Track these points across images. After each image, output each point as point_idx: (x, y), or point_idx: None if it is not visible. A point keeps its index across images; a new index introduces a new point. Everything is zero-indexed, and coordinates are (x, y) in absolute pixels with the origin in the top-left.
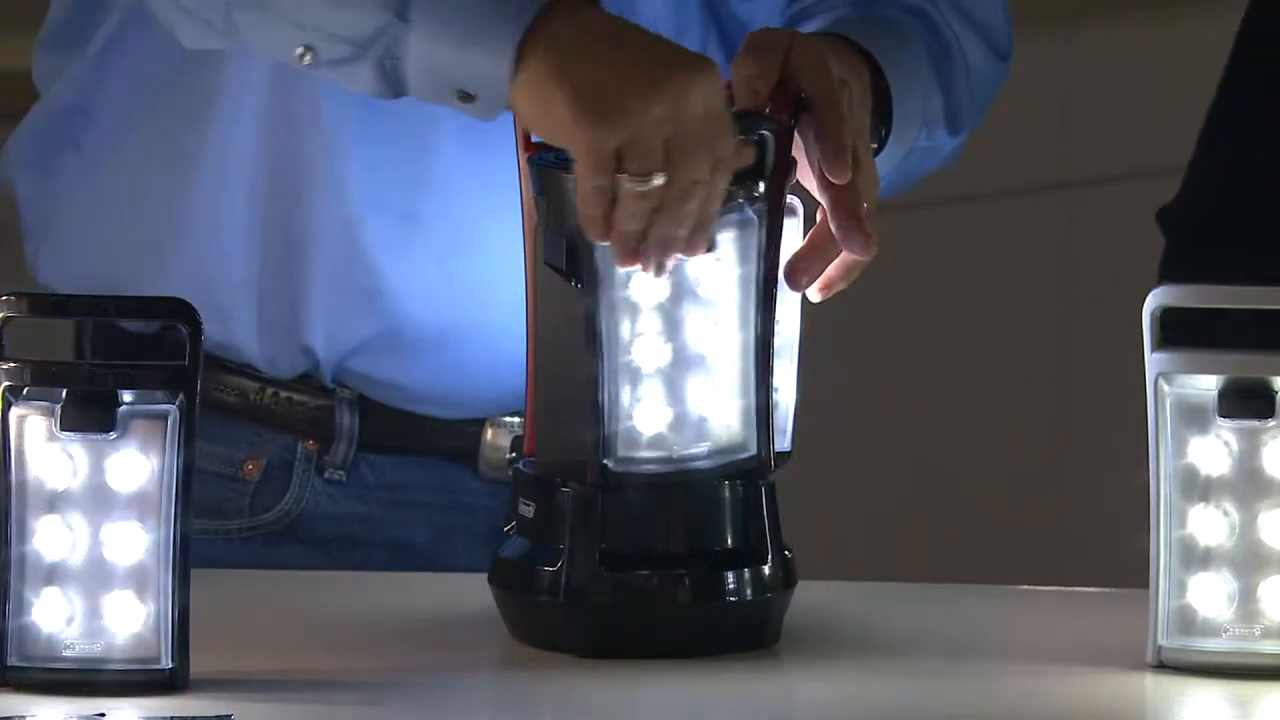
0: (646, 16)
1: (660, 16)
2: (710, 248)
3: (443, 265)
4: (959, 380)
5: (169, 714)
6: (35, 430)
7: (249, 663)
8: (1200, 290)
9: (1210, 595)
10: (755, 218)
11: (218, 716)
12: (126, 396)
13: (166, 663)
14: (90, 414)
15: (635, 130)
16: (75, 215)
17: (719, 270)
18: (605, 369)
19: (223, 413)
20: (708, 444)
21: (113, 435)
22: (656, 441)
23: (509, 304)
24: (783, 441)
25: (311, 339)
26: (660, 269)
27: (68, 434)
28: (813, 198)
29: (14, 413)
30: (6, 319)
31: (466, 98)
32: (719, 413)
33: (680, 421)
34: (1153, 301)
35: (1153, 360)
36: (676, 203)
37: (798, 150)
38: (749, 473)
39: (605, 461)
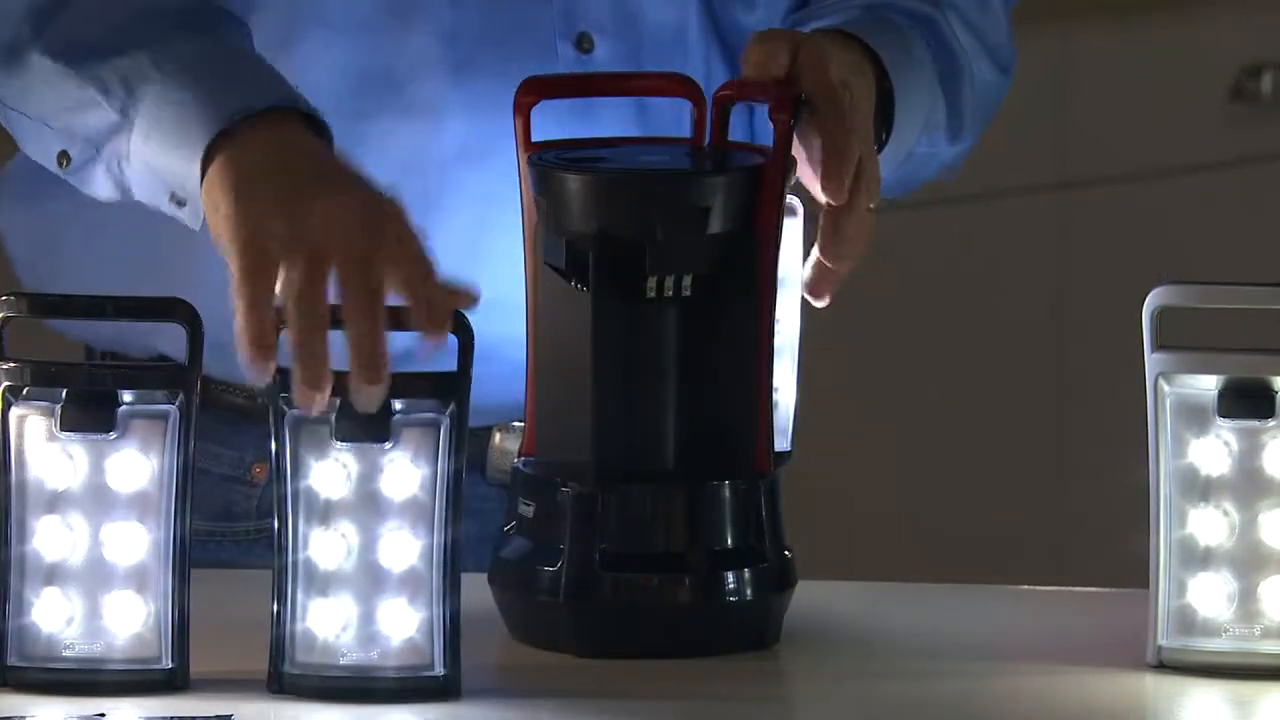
0: (649, 29)
1: (660, 28)
2: (382, 438)
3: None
4: (959, 380)
5: (169, 714)
6: (35, 430)
7: (249, 663)
8: (1200, 290)
9: (1210, 595)
10: (443, 418)
11: (218, 716)
12: (126, 396)
13: (167, 663)
14: (90, 414)
15: (286, 225)
16: (70, 254)
17: (402, 470)
18: (287, 564)
19: (231, 415)
20: (386, 656)
21: (113, 435)
22: (333, 648)
23: (518, 314)
24: (783, 442)
25: None
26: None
27: (68, 434)
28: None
29: (14, 413)
30: (6, 319)
31: (179, 202)
32: (400, 625)
33: (357, 629)
34: (1152, 301)
35: (1152, 360)
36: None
37: (797, 150)
38: (431, 692)
39: (282, 666)
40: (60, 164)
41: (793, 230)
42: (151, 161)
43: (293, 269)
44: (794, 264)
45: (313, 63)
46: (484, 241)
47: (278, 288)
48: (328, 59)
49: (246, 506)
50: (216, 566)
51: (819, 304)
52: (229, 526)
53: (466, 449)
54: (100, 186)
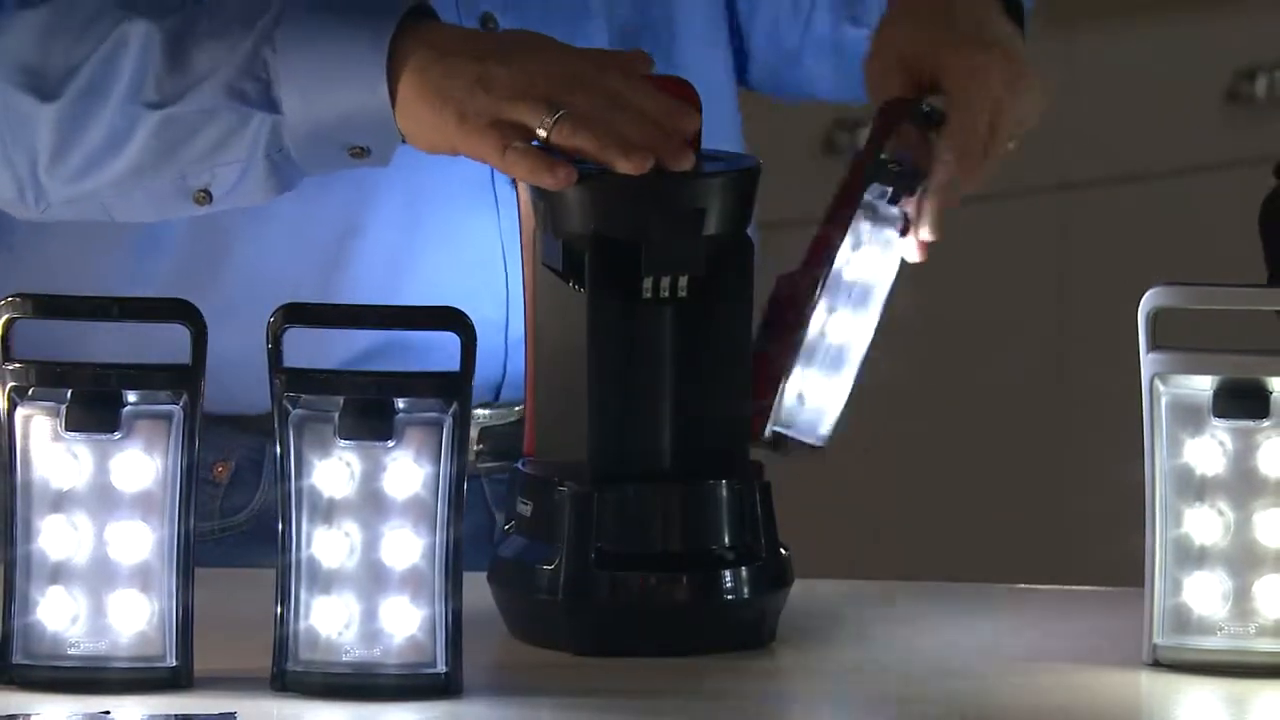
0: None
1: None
2: (385, 437)
3: (391, 271)
4: (958, 380)
5: (173, 712)
6: (40, 430)
7: (252, 661)
8: (1198, 290)
9: (1205, 594)
10: (445, 418)
11: (221, 714)
12: (130, 397)
13: (171, 661)
14: (95, 414)
15: (531, 77)
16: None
17: (405, 469)
18: (290, 562)
19: None
20: (388, 653)
21: (117, 435)
22: (335, 646)
23: (464, 296)
24: (812, 435)
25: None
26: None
27: (72, 434)
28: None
29: (19, 413)
30: (11, 320)
31: (359, 152)
32: (402, 622)
33: (360, 627)
34: (1148, 302)
35: (1148, 360)
36: (614, 111)
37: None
38: (433, 690)
39: (285, 664)
40: (199, 203)
41: (889, 241)
42: (318, 127)
43: (545, 105)
44: (886, 275)
45: None
46: (417, 237)
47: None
48: None
49: (210, 507)
50: None
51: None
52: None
53: (469, 448)
54: (260, 188)
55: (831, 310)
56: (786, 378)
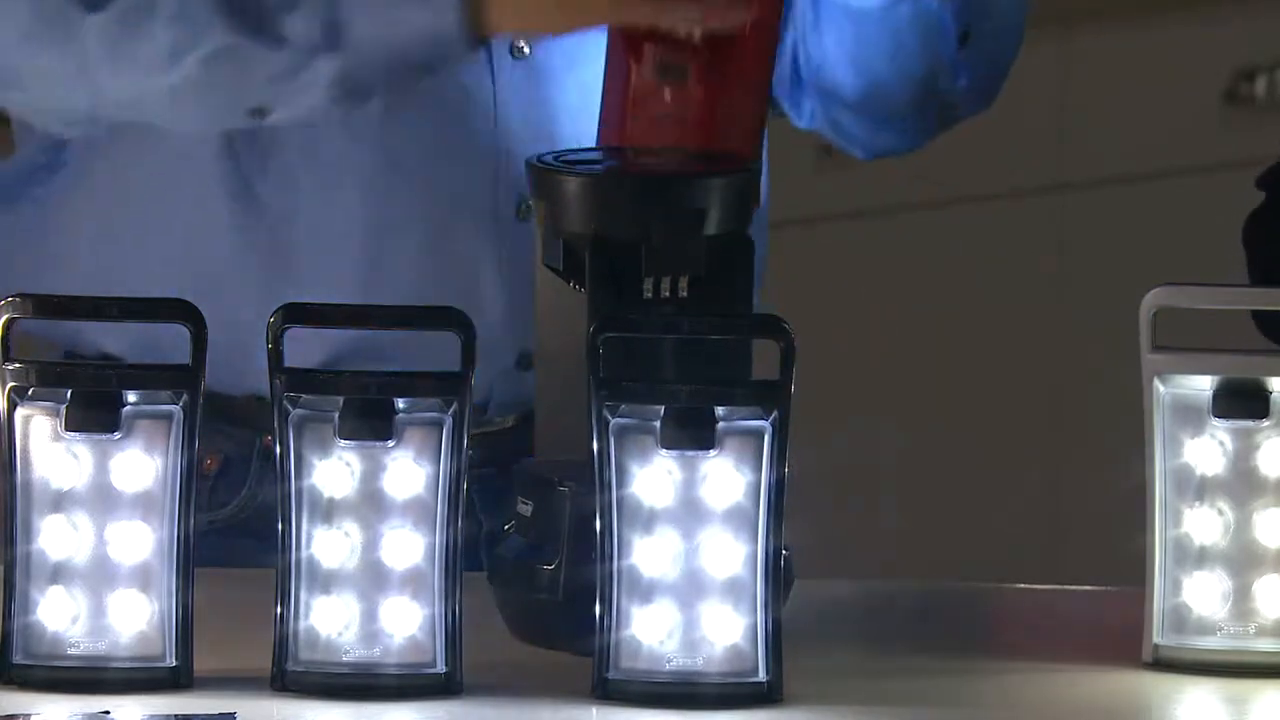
0: None
1: None
2: (386, 437)
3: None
4: (957, 380)
5: (173, 712)
6: (40, 430)
7: (252, 661)
8: (1198, 290)
9: (1205, 594)
10: (445, 418)
11: (221, 714)
12: (130, 397)
13: (170, 661)
14: (95, 414)
15: None
16: (36, 257)
17: (405, 469)
18: (290, 562)
19: None
20: (388, 653)
21: (117, 435)
22: (336, 646)
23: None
24: None
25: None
26: None
27: (72, 434)
28: None
29: (19, 413)
30: (10, 320)
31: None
32: (402, 622)
33: (360, 626)
34: (1149, 302)
35: (1148, 360)
36: None
37: None
38: (433, 690)
39: (285, 664)
40: (254, 119)
41: None
42: (387, 51)
43: None
44: None
45: None
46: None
47: None
48: None
49: (199, 500)
50: None
51: None
52: None
53: (468, 448)
54: (316, 115)
55: None
56: None
